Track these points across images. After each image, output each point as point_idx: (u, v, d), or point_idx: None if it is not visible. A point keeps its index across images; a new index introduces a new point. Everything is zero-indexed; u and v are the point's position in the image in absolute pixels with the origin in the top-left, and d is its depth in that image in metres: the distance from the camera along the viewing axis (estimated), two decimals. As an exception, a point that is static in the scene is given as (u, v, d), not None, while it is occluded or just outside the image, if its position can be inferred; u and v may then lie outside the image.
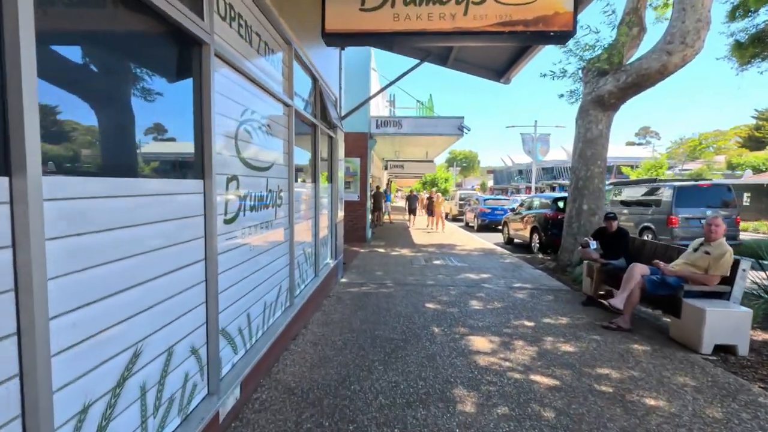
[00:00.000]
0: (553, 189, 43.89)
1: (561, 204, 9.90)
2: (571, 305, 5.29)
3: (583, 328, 4.36)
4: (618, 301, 4.29)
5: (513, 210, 12.66)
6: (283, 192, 3.51)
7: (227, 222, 2.38)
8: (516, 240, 12.12)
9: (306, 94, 4.50)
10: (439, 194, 17.34)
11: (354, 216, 11.34)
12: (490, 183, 68.80)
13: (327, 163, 5.88)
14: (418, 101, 13.26)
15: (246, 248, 2.69)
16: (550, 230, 9.72)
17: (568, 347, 3.80)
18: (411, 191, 18.30)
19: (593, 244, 5.32)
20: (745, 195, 24.21)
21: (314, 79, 4.82)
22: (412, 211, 18.27)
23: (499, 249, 10.73)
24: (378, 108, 15.98)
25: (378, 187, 16.87)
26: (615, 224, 5.42)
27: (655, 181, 10.59)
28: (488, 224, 16.34)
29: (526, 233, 10.89)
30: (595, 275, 5.32)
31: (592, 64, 7.61)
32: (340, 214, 6.65)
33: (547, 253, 9.42)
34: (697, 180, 11.18)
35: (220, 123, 2.28)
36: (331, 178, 6.01)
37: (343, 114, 6.43)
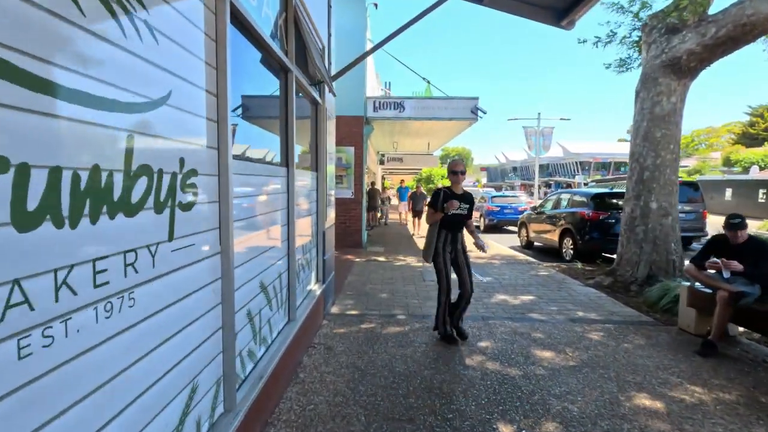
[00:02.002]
0: (548, 186, 42.49)
1: (600, 201, 8.15)
2: (683, 355, 3.46)
3: (748, 415, 2.52)
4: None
5: (534, 209, 10.85)
6: (201, 176, 1.58)
7: None
8: (537, 244, 10.33)
9: (267, 4, 2.55)
10: None
11: (347, 217, 9.39)
12: (484, 180, 67.35)
13: (311, 140, 3.95)
14: (423, 78, 11.27)
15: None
16: (589, 234, 7.94)
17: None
18: (417, 187, 14.97)
19: (727, 273, 3.50)
20: (761, 192, 22.85)
21: (285, -7, 2.87)
22: (417, 213, 12.84)
23: (520, 255, 8.92)
24: (373, 93, 14.03)
25: (373, 183, 14.86)
26: (744, 234, 3.60)
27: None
28: (497, 224, 14.57)
29: (554, 237, 9.08)
30: (718, 309, 3.49)
31: (660, 19, 5.80)
32: (331, 216, 4.71)
33: (593, 262, 7.60)
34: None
35: None
36: (317, 165, 4.08)
37: (333, 73, 4.49)
